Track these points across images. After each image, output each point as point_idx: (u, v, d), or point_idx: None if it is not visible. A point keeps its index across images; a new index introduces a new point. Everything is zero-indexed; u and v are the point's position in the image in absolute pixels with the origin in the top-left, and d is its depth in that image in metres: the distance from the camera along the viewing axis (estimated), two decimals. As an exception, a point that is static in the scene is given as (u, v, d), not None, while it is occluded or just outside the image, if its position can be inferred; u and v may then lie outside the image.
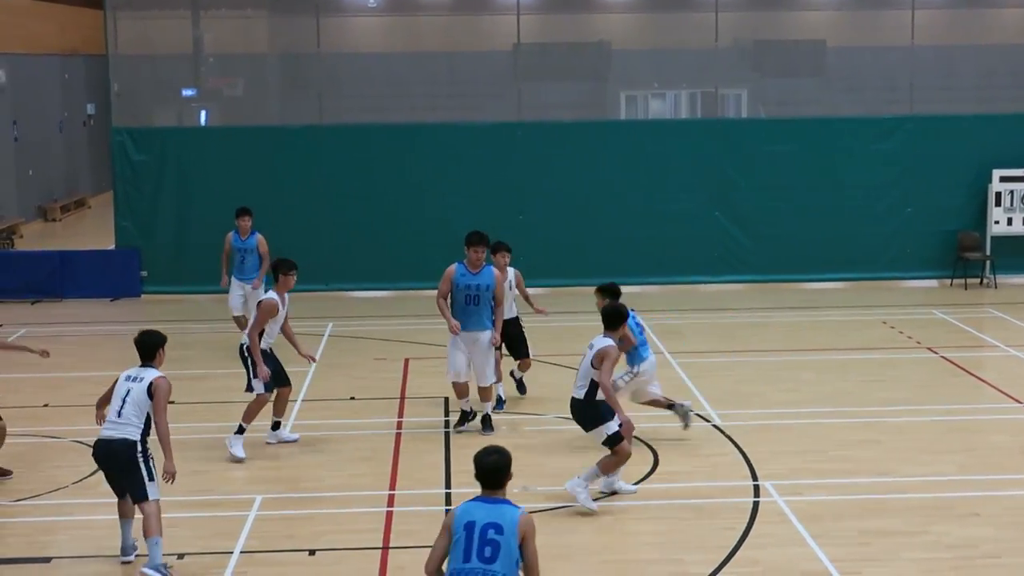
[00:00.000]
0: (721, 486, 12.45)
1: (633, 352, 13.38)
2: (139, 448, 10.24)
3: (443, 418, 14.83)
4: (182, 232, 22.57)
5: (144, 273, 22.16)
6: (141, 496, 10.28)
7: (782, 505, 11.86)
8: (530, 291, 15.45)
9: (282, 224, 22.09)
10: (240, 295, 17.75)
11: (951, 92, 24.51)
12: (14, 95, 30.51)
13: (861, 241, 22.97)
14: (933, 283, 23.04)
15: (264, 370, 13.22)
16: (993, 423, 14.67)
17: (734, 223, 23.03)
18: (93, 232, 28.67)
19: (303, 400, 15.46)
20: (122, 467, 10.30)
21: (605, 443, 11.83)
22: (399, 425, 14.57)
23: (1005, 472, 12.87)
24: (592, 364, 11.78)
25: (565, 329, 19.03)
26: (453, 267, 13.89)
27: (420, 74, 24.82)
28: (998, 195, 22.94)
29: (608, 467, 11.82)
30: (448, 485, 12.55)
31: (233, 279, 17.80)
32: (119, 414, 10.31)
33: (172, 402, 10.70)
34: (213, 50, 25.24)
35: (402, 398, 15.72)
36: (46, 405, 15.47)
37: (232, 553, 10.84)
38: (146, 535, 10.21)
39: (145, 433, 10.31)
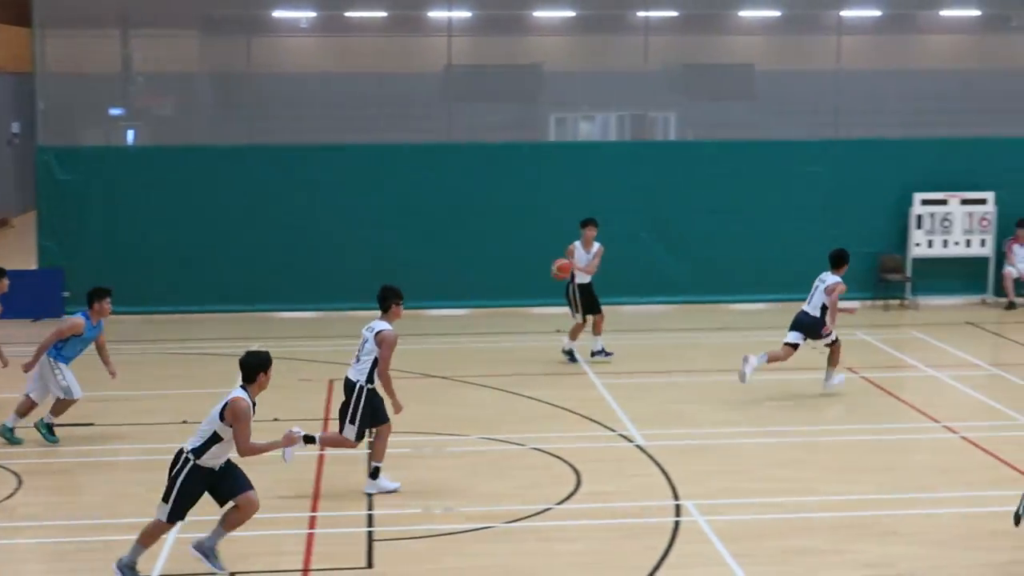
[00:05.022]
0: (643, 506, 12.50)
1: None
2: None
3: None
4: (109, 252, 22.29)
5: (67, 294, 21.86)
6: None
7: (703, 525, 11.92)
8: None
9: (210, 243, 22.20)
10: None
11: (876, 116, 24.81)
12: (-62, 113, 30.15)
13: (788, 263, 23.05)
14: (855, 304, 23.23)
15: None
16: (913, 443, 14.86)
17: (662, 244, 23.19)
18: (16, 252, 28.27)
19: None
20: None
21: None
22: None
23: (924, 491, 13.02)
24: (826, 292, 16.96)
25: (500, 350, 18.97)
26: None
27: (351, 95, 24.74)
28: (919, 218, 23.33)
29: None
30: (371, 507, 12.51)
31: None
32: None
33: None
34: (142, 69, 24.99)
35: (326, 419, 15.64)
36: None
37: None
38: None
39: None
